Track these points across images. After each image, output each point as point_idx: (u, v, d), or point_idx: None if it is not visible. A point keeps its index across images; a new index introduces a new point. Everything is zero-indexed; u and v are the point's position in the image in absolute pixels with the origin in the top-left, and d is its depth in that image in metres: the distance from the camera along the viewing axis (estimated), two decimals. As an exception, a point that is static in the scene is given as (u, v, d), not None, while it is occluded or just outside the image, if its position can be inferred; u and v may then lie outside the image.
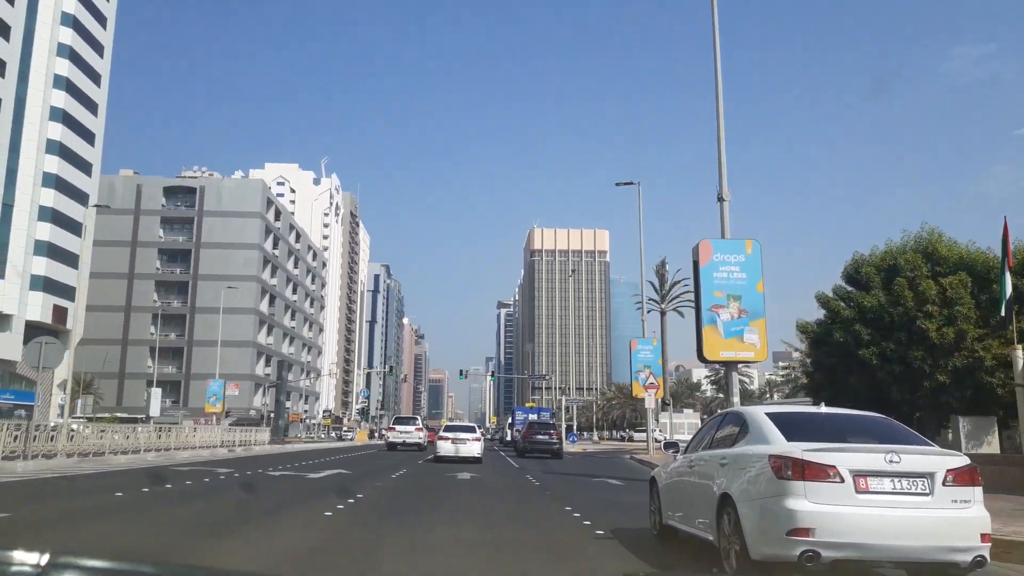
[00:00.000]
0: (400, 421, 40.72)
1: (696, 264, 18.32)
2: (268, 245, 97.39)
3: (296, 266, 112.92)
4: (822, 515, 5.72)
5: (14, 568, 1.62)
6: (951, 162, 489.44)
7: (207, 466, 21.46)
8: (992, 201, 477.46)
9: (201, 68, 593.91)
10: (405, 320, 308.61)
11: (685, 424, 71.49)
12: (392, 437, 38.26)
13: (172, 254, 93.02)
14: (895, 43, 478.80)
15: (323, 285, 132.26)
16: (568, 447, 50.06)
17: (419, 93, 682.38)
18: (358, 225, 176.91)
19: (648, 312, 74.72)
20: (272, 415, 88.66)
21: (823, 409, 7.25)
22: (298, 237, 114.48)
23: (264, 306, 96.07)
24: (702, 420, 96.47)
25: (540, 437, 36.30)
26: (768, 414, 6.99)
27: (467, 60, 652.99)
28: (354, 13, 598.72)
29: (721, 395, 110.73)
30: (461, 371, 57.49)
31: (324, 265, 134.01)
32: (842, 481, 5.81)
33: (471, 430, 28.50)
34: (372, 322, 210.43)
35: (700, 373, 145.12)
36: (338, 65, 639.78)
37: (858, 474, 5.84)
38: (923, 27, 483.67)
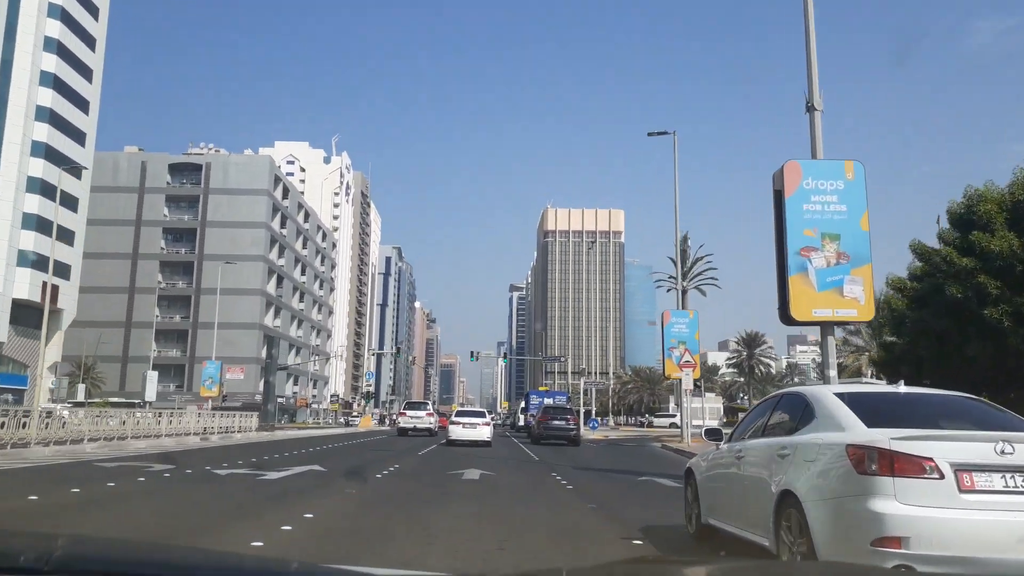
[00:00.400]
0: (411, 406, 40.45)
1: (779, 194, 14.54)
2: (276, 224, 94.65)
3: (305, 246, 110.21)
4: (918, 521, 4.64)
5: None
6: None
7: (146, 461, 17.73)
8: None
9: (210, 44, 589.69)
10: (417, 304, 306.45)
11: (706, 409, 68.17)
12: (403, 422, 38.10)
13: (177, 233, 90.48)
14: None
15: (333, 266, 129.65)
16: (589, 434, 47.21)
17: (432, 73, 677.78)
18: (369, 206, 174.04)
19: (667, 291, 71.56)
20: (279, 399, 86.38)
21: (902, 389, 6.08)
22: (307, 216, 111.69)
23: (271, 287, 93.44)
24: (724, 406, 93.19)
25: (556, 423, 34.09)
26: (839, 394, 5.92)
27: (480, 39, 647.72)
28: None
29: (741, 378, 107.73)
30: (472, 353, 54.74)
31: (334, 246, 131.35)
32: (941, 477, 4.72)
33: (481, 415, 30.72)
34: (383, 305, 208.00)
35: (719, 357, 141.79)
36: (351, 42, 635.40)
37: (961, 468, 4.75)
38: None
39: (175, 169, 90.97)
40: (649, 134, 33.21)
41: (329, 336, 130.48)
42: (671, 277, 66.84)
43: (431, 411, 39.33)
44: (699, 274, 67.34)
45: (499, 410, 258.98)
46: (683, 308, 65.36)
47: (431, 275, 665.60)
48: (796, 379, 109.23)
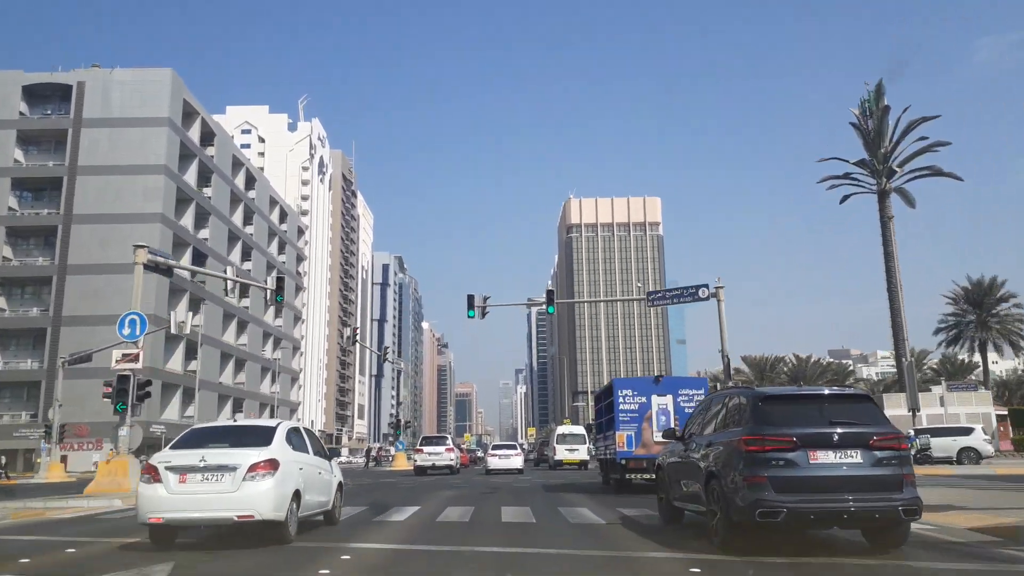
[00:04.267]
0: (428, 441, 36.30)
1: None
2: (190, 177, 65.00)
3: (249, 222, 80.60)
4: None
5: None
6: None
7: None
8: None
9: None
10: (425, 325, 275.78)
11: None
12: (420, 460, 34.07)
13: (35, 186, 61.06)
14: None
15: (300, 260, 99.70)
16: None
17: (429, 69, 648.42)
18: (355, 196, 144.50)
19: (849, 198, 40.01)
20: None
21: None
22: (251, 181, 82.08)
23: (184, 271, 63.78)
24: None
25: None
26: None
27: (483, 23, 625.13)
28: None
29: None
30: (471, 303, 24.16)
31: (302, 233, 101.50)
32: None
33: (513, 447, 34.43)
34: (381, 320, 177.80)
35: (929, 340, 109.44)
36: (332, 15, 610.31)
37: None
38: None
39: (34, 94, 61.73)
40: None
41: (298, 351, 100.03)
42: (856, 176, 36.55)
43: (450, 446, 35.60)
44: (909, 159, 36.72)
45: (521, 440, 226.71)
46: (886, 219, 35.67)
47: (438, 296, 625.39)
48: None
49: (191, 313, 54.59)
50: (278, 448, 8.97)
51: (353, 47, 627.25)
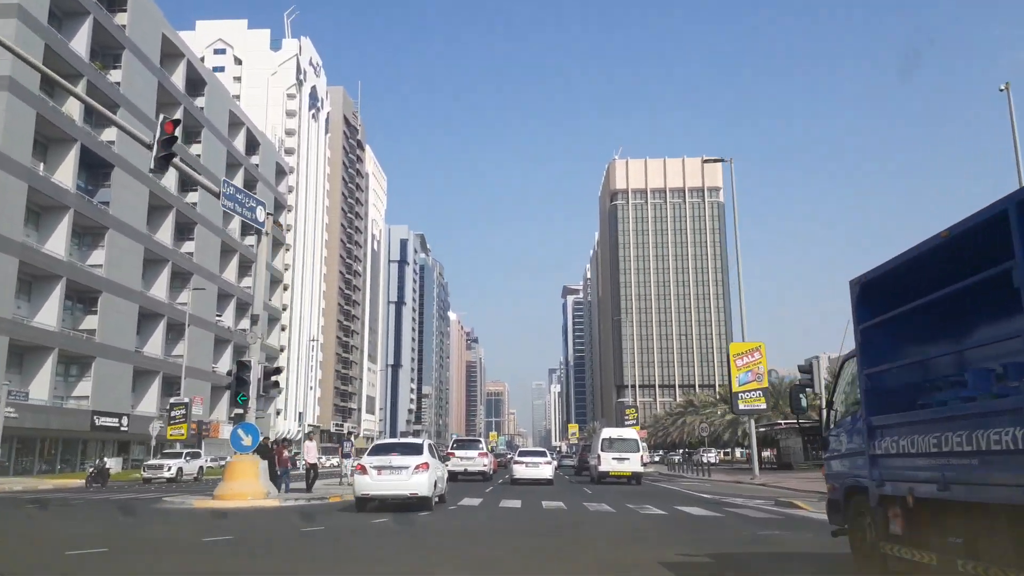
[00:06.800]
0: (461, 445, 34.74)
1: None
2: (78, 41, 43.75)
3: (195, 139, 59.67)
4: None
5: None
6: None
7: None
8: None
9: None
10: (452, 315, 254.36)
11: None
12: (452, 465, 30.76)
13: None
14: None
15: (278, 207, 78.30)
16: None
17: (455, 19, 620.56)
18: (362, 148, 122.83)
19: None
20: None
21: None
22: (199, 83, 60.93)
23: (68, 167, 42.82)
24: None
25: None
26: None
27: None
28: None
29: None
30: None
31: (283, 175, 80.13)
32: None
33: (543, 455, 31.16)
34: (398, 303, 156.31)
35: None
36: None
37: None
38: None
39: None
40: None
41: (278, 323, 78.69)
42: None
43: (484, 451, 33.93)
44: None
45: (558, 444, 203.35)
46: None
47: (466, 290, 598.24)
48: None
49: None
50: (427, 456, 16.32)
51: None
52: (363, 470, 15.71)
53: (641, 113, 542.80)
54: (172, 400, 39.95)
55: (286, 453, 22.15)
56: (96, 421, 44.19)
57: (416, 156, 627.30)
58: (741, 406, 33.35)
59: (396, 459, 15.87)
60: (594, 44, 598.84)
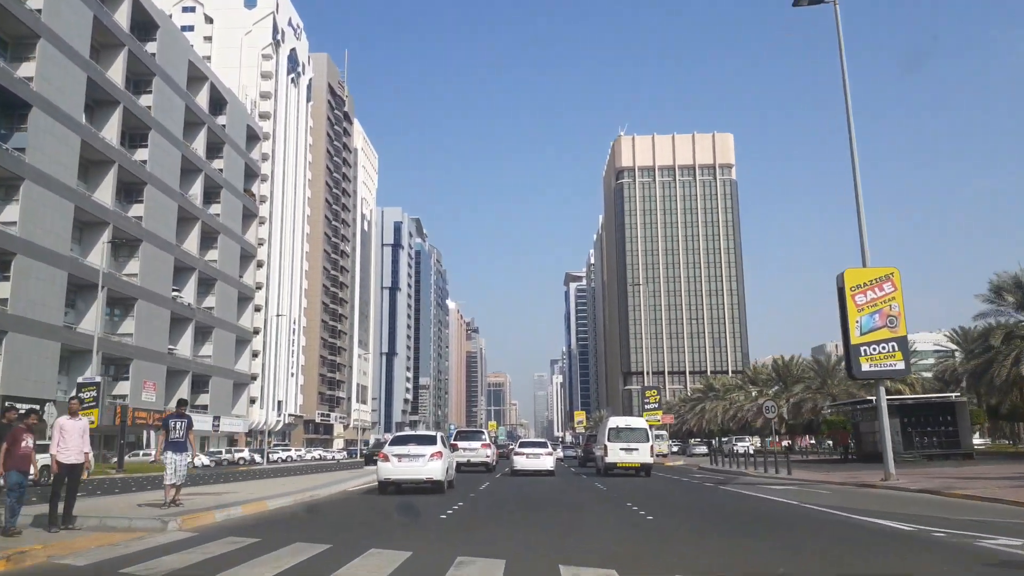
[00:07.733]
0: (464, 436, 34.10)
1: None
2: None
3: (144, 89, 52.48)
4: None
5: None
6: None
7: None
8: None
9: None
10: (451, 304, 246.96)
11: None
12: (456, 457, 29.15)
13: None
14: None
15: (249, 175, 70.85)
16: None
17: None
18: (349, 121, 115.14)
19: None
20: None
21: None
22: (150, 26, 53.54)
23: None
24: None
25: None
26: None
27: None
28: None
29: None
30: None
31: (255, 140, 72.67)
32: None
33: (543, 445, 31.14)
34: (392, 288, 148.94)
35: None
36: None
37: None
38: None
39: None
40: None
41: (250, 302, 71.39)
42: None
43: (487, 441, 33.85)
44: None
45: (561, 434, 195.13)
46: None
47: (465, 279, 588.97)
48: None
49: None
50: (440, 446, 18.33)
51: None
52: (386, 458, 17.87)
53: (650, 88, 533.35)
54: (80, 380, 32.69)
55: (26, 442, 10.12)
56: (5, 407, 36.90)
57: (415, 145, 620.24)
58: (865, 366, 21.31)
59: (414, 448, 18.01)
60: (599, 21, 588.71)
